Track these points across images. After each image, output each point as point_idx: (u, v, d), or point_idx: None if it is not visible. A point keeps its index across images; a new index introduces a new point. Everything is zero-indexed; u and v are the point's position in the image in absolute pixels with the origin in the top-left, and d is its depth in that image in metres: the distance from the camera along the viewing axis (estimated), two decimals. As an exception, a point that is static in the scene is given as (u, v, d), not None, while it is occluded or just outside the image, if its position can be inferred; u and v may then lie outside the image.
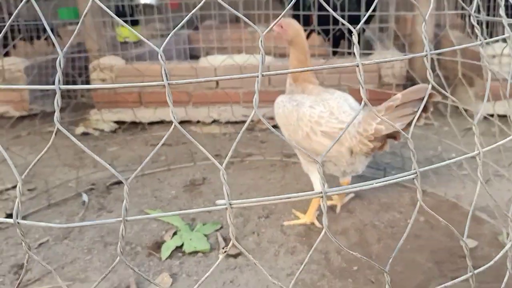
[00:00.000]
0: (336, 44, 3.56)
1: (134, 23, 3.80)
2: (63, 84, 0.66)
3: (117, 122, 3.30)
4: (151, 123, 3.28)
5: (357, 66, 0.70)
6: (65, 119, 3.32)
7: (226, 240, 1.77)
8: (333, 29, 3.22)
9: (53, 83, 0.66)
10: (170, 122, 3.25)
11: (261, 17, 4.41)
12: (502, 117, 2.75)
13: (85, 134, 3.18)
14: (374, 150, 1.63)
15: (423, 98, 1.48)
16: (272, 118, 3.20)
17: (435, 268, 1.54)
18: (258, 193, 2.12)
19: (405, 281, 1.48)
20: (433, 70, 3.25)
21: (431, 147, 2.55)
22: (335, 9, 3.15)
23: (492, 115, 2.61)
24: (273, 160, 2.49)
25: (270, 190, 2.15)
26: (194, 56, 3.98)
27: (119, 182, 2.30)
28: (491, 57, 2.92)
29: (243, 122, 3.20)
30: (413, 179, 0.76)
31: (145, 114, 3.32)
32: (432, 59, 3.57)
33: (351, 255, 1.63)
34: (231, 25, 4.01)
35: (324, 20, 3.25)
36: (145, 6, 4.22)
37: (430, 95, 1.46)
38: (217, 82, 3.32)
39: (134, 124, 3.27)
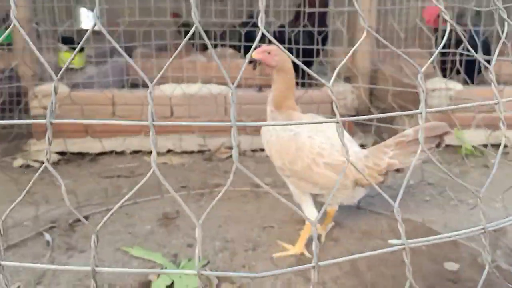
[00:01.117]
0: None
1: (81, 49, 3.60)
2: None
3: (59, 153, 3.07)
4: (98, 154, 3.09)
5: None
6: (-1, 150, 3.02)
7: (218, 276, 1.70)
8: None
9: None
10: (122, 153, 3.09)
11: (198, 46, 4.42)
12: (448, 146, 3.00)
13: (24, 166, 2.90)
14: (380, 183, 1.67)
15: (437, 136, 1.57)
16: (230, 148, 3.19)
17: (429, 292, 1.61)
18: (238, 225, 2.07)
19: (407, 307, 1.52)
20: (371, 102, 3.44)
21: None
22: (289, 43, 3.26)
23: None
24: (243, 191, 2.46)
25: (251, 221, 2.11)
26: (133, 84, 3.83)
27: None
28: (431, 91, 3.19)
29: (199, 151, 3.14)
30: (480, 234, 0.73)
31: (93, 145, 3.12)
32: (369, 93, 3.81)
33: (349, 284, 1.65)
34: (165, 54, 3.96)
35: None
36: (85, 31, 4.02)
37: (445, 132, 1.56)
38: (171, 111, 3.24)
39: (80, 155, 3.06)
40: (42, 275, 1.65)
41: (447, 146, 3.01)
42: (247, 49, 3.52)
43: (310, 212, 1.79)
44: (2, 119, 3.32)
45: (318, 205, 1.86)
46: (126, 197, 0.65)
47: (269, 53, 1.83)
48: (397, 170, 1.66)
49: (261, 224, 2.08)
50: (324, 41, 3.50)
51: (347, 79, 3.59)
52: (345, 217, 2.11)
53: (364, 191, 1.77)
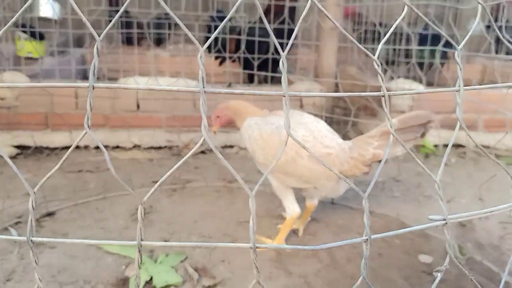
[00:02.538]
0: (251, 74, 3.66)
1: (41, 37, 3.43)
2: None
3: (17, 147, 2.90)
4: (61, 148, 2.95)
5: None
6: None
7: (198, 270, 1.67)
8: (258, 58, 3.32)
9: None
10: (86, 147, 2.97)
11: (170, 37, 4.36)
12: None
13: (-21, 160, 2.72)
14: (365, 174, 1.70)
15: (422, 124, 1.61)
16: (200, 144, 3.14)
17: (406, 283, 1.65)
18: (215, 220, 2.04)
19: (387, 297, 1.56)
20: (335, 106, 3.51)
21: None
22: (261, 36, 3.26)
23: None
24: (216, 186, 2.43)
25: (226, 216, 2.09)
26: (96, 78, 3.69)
27: (50, 214, 2.02)
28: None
29: (166, 147, 3.08)
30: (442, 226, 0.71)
31: (54, 138, 2.98)
32: (334, 91, 3.89)
33: (330, 277, 1.66)
34: (126, 47, 3.86)
35: (249, 46, 3.34)
36: (44, 19, 3.84)
37: (429, 121, 1.60)
38: (138, 105, 3.15)
39: (39, 149, 2.91)
40: (12, 271, 1.56)
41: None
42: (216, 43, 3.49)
43: (292, 206, 1.79)
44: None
45: (301, 199, 1.87)
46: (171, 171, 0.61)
47: (218, 116, 1.92)
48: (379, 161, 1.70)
49: (236, 219, 2.06)
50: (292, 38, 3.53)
51: (315, 77, 3.64)
52: (320, 212, 2.13)
53: (347, 184, 1.80)
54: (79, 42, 4.24)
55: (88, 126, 0.53)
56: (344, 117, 3.20)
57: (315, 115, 3.27)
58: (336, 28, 3.81)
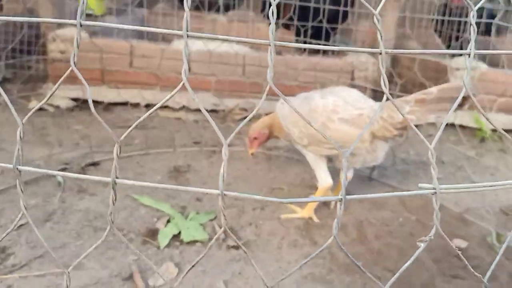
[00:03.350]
0: (303, 43, 3.58)
1: (101, -5, 3.54)
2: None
3: (74, 100, 3.06)
4: (113, 104, 3.08)
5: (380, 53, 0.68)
6: (14, 92, 3.02)
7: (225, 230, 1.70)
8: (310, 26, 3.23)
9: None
10: (136, 104, 3.08)
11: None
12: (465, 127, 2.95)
13: (39, 109, 2.90)
14: (396, 136, 1.66)
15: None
16: (245, 109, 3.16)
17: (434, 266, 1.60)
18: (247, 185, 2.07)
19: (411, 278, 1.52)
20: (390, 80, 3.40)
21: (402, 150, 2.64)
22: (316, 2, 3.16)
23: (452, 124, 2.80)
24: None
25: (261, 182, 2.10)
26: (150, 37, 3.78)
27: (95, 164, 2.13)
28: (455, 70, 3.10)
29: (213, 111, 3.12)
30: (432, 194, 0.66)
31: (107, 94, 3.11)
32: (391, 65, 3.74)
33: (354, 250, 1.64)
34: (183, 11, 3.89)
35: (303, 13, 3.26)
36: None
37: (468, 96, 1.52)
38: (189, 68, 3.19)
39: (94, 103, 3.04)
40: (52, 213, 1.67)
41: (465, 127, 2.97)
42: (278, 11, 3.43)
43: (324, 177, 1.77)
44: (20, 61, 3.32)
45: (335, 173, 1.84)
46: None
47: (255, 138, 1.93)
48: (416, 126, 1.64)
49: (270, 185, 2.07)
50: (352, 4, 3.40)
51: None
52: (356, 187, 2.09)
53: (385, 148, 1.74)
54: (141, 2, 4.34)
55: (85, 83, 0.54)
56: (397, 93, 3.07)
57: (367, 88, 3.18)
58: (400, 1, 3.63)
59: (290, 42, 3.62)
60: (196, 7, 4.12)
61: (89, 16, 3.50)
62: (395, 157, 2.39)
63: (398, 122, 1.60)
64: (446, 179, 2.27)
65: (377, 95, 3.07)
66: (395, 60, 3.54)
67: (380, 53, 0.55)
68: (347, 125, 1.66)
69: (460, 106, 1.57)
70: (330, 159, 1.84)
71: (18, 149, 0.61)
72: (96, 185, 1.93)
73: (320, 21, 3.21)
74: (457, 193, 2.10)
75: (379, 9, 0.57)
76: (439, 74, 3.18)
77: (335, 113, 1.67)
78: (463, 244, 1.73)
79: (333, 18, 3.25)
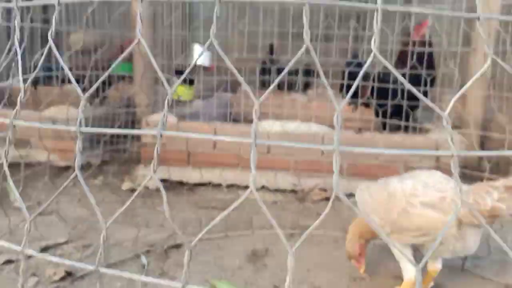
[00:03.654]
0: (384, 122, 3.53)
1: (191, 82, 3.86)
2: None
3: (162, 180, 3.25)
4: (197, 185, 3.21)
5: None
6: (110, 173, 3.29)
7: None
8: (390, 105, 3.22)
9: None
10: (218, 185, 3.19)
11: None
12: None
13: (131, 190, 3.12)
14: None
15: None
16: (325, 190, 3.13)
17: None
18: (329, 272, 1.99)
19: None
20: (479, 162, 3.17)
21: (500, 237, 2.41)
22: (394, 83, 3.17)
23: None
24: (334, 236, 2.38)
25: (341, 269, 2.02)
26: (234, 119, 3.98)
27: (177, 246, 2.20)
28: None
29: (292, 191, 3.13)
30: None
31: (192, 175, 3.26)
32: (481, 143, 3.55)
33: None
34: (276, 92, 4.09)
35: (382, 93, 3.26)
36: (197, 66, 4.32)
37: None
38: (268, 148, 3.29)
39: (179, 184, 3.21)
40: (135, 296, 1.73)
41: None
42: (349, 89, 3.48)
43: (410, 269, 1.66)
44: (117, 145, 3.65)
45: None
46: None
47: (359, 254, 1.87)
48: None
49: (351, 274, 1.98)
50: (432, 84, 3.34)
51: (456, 128, 3.37)
52: (447, 279, 1.92)
53: (477, 235, 1.60)
54: (232, 87, 4.63)
55: (154, 171, 0.58)
56: (487, 175, 2.87)
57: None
58: (485, 75, 3.50)
59: (370, 120, 3.61)
60: (278, 86, 4.32)
61: (179, 102, 3.81)
62: (489, 246, 2.19)
63: (486, 210, 1.48)
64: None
65: (465, 176, 2.90)
66: (484, 137, 3.35)
67: (452, 156, 0.53)
68: (429, 209, 1.57)
69: None
70: (416, 248, 1.73)
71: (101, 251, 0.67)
72: (177, 267, 1.98)
73: (399, 101, 3.19)
74: None
75: (450, 108, 0.55)
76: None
77: (415, 196, 1.59)
78: None
79: (413, 96, 3.20)
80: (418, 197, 1.60)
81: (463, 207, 1.51)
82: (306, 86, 4.81)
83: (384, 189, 1.70)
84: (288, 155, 3.23)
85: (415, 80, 3.18)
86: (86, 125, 0.74)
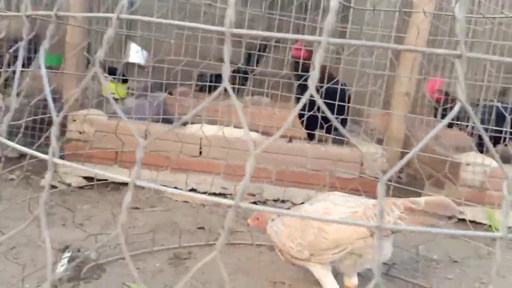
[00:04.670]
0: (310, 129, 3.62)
1: (124, 80, 3.75)
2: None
3: (86, 178, 3.12)
4: (124, 184, 3.11)
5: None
6: (29, 168, 3.10)
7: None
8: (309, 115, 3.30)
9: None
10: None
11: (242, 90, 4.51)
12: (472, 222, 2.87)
13: (51, 187, 2.96)
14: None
15: (445, 216, 1.53)
16: (253, 195, 3.16)
17: None
18: (249, 277, 2.01)
19: None
20: (401, 171, 3.38)
21: (411, 246, 2.55)
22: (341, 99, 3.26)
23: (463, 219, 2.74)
24: (260, 242, 2.40)
25: (261, 275, 2.04)
26: (166, 120, 3.90)
27: (96, 248, 2.11)
28: (465, 165, 3.09)
29: (222, 194, 3.12)
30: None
31: (119, 174, 3.15)
32: (401, 157, 3.76)
33: None
34: (203, 95, 4.08)
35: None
36: (132, 64, 4.21)
37: (453, 215, 1.52)
38: (200, 150, 3.27)
39: (105, 182, 3.09)
40: None
41: (477, 223, 2.89)
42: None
43: (331, 285, 1.71)
44: (38, 139, 3.45)
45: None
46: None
47: (258, 218, 1.93)
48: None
49: (272, 278, 2.01)
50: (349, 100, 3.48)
51: (379, 141, 3.55)
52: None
53: (389, 242, 1.71)
54: (168, 87, 4.52)
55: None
56: (407, 187, 3.04)
57: (376, 178, 3.17)
58: (410, 96, 3.73)
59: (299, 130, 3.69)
60: (209, 90, 4.27)
61: (107, 99, 3.68)
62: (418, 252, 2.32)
63: (388, 228, 1.58)
64: (460, 281, 2.17)
65: (388, 187, 3.05)
66: (404, 153, 3.56)
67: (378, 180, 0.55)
68: (342, 224, 1.63)
69: (450, 218, 1.56)
70: (333, 267, 1.77)
71: None
72: (95, 271, 1.90)
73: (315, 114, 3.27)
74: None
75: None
76: (450, 169, 3.15)
77: (328, 214, 1.66)
78: None
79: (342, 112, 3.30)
80: (331, 215, 1.67)
81: (372, 219, 1.60)
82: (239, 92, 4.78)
83: (296, 215, 1.74)
84: (219, 158, 3.23)
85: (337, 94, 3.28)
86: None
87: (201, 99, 3.84)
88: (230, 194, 3.11)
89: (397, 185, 2.98)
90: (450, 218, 1.55)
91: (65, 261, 1.90)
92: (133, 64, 4.37)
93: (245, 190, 0.57)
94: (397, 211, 1.60)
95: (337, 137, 3.36)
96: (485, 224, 2.89)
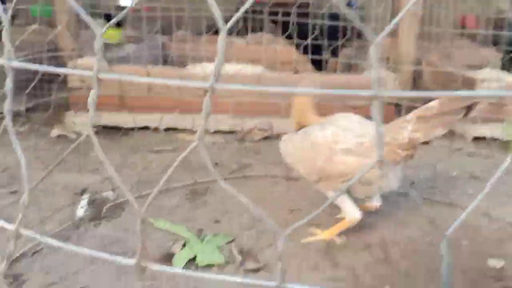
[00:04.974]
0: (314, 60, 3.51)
1: (118, 25, 3.61)
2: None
3: (94, 126, 3.08)
4: (133, 129, 3.08)
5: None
6: (37, 120, 3.07)
7: (242, 253, 1.64)
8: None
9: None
10: (156, 129, 3.08)
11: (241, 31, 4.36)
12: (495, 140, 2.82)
13: (60, 136, 2.94)
14: (404, 159, 1.58)
15: (463, 107, 1.46)
16: (264, 130, 3.12)
17: (469, 288, 1.49)
18: (269, 205, 2.00)
19: (443, 301, 1.41)
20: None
21: (428, 166, 2.52)
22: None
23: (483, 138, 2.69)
24: (274, 173, 2.38)
25: (279, 203, 2.03)
26: (166, 64, 3.80)
27: (112, 189, 2.11)
28: (480, 82, 2.99)
29: (232, 132, 3.08)
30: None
31: (127, 119, 3.12)
32: (413, 81, 3.68)
33: (381, 272, 1.55)
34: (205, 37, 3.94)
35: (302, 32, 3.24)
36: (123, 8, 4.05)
37: (474, 103, 1.45)
38: (205, 89, 3.19)
39: (113, 129, 3.06)
40: (67, 238, 1.64)
41: (495, 140, 2.84)
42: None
43: (351, 211, 1.68)
44: (42, 91, 3.39)
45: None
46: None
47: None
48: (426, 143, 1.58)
49: (288, 207, 2.00)
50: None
51: (389, 66, 3.44)
52: (383, 203, 1.99)
53: (398, 171, 1.66)
54: (167, 30, 4.37)
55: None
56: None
57: (389, 104, 3.09)
58: (418, 14, 3.56)
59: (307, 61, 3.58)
60: (215, 32, 4.14)
61: (106, 45, 3.57)
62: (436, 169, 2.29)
63: (404, 142, 1.54)
64: (475, 196, 2.15)
65: (400, 110, 2.98)
66: (417, 73, 3.45)
67: (376, 97, 0.48)
68: (349, 155, 1.59)
69: (466, 115, 1.48)
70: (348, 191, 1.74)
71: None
72: (115, 209, 1.91)
73: (316, 38, 3.15)
74: (491, 210, 1.97)
75: (386, 33, 0.49)
76: (466, 86, 3.07)
77: (336, 143, 1.61)
78: (498, 264, 1.61)
79: (333, 34, 3.18)
80: (339, 144, 1.61)
81: (380, 150, 1.52)
82: (246, 31, 4.65)
83: (306, 139, 1.69)
84: (226, 97, 3.16)
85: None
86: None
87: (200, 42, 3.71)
88: (241, 131, 3.06)
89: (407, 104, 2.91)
90: (469, 109, 1.47)
91: (84, 202, 1.90)
92: (123, 8, 4.21)
93: (220, 70, 0.51)
94: (410, 125, 1.53)
95: (345, 61, 3.25)
96: (505, 141, 2.83)
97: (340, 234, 1.73)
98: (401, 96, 0.56)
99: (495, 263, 1.61)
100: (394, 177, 1.66)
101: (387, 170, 1.61)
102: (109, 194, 1.97)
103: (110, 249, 1.61)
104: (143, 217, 0.57)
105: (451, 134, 3.00)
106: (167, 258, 1.59)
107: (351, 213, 1.68)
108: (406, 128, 1.56)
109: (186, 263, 1.56)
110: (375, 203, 1.79)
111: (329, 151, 1.62)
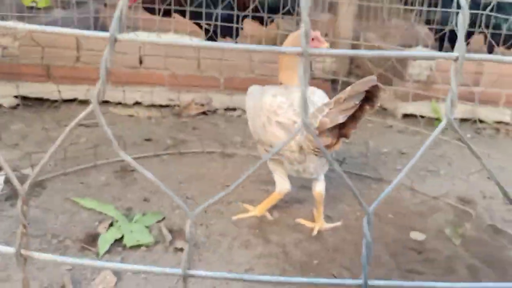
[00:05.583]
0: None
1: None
2: None
3: (18, 97, 2.86)
4: (62, 102, 2.89)
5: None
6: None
7: (172, 232, 1.60)
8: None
9: None
10: (85, 101, 2.91)
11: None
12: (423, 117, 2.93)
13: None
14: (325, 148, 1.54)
15: (368, 91, 1.40)
16: (202, 104, 3.05)
17: (391, 260, 1.54)
18: (202, 183, 1.96)
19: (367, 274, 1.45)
20: (350, 72, 3.33)
21: (361, 142, 2.58)
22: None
23: (413, 115, 2.79)
24: (210, 149, 2.34)
25: (214, 179, 2.00)
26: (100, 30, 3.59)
27: (32, 165, 1.97)
28: (412, 60, 3.09)
29: (168, 106, 2.99)
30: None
31: (54, 91, 2.92)
32: (350, 61, 3.73)
33: (310, 248, 1.57)
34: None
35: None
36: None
37: (377, 88, 1.39)
38: (140, 61, 3.05)
39: (39, 100, 2.86)
40: (-21, 220, 1.52)
41: (422, 117, 2.95)
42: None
43: (281, 182, 1.67)
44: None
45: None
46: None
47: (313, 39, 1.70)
48: (345, 136, 1.50)
49: (224, 183, 1.98)
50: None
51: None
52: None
53: (318, 161, 1.58)
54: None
55: None
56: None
57: (325, 79, 3.11)
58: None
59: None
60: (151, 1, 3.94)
61: (31, 9, 3.30)
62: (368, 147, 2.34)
63: (316, 127, 1.44)
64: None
65: (335, 87, 3.01)
66: (355, 49, 3.50)
67: (303, 54, 0.44)
68: (281, 129, 1.54)
69: (372, 104, 1.42)
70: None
71: None
72: (34, 186, 1.78)
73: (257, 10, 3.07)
74: (413, 185, 2.06)
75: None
76: (399, 64, 3.15)
77: (275, 115, 1.56)
78: (420, 237, 1.69)
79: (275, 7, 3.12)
80: (277, 116, 1.56)
81: (303, 133, 1.47)
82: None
83: (259, 100, 1.64)
84: (161, 69, 3.03)
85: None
86: None
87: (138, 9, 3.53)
88: (178, 105, 2.98)
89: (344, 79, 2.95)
90: (373, 93, 1.39)
91: (0, 180, 1.76)
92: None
93: (122, 21, 0.46)
94: (327, 109, 1.47)
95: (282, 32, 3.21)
96: (432, 118, 2.96)
97: (271, 210, 1.73)
98: (333, 54, 0.52)
99: (417, 236, 1.69)
100: (311, 167, 1.59)
101: (305, 158, 1.56)
102: (29, 171, 1.84)
103: (28, 231, 1.51)
104: (24, 196, 0.50)
105: (383, 111, 3.10)
106: (93, 239, 1.52)
107: (281, 184, 1.67)
108: (323, 112, 1.46)
109: (113, 243, 1.50)
110: (317, 188, 1.69)
111: (267, 120, 1.58)
